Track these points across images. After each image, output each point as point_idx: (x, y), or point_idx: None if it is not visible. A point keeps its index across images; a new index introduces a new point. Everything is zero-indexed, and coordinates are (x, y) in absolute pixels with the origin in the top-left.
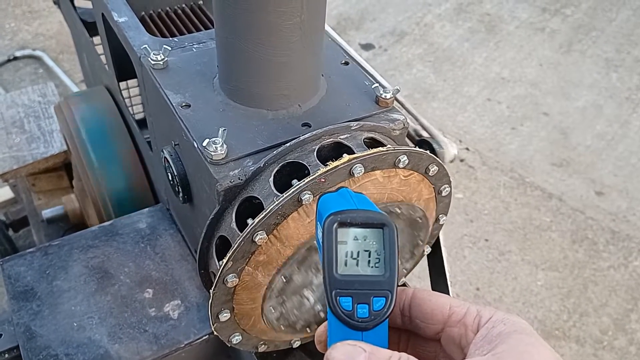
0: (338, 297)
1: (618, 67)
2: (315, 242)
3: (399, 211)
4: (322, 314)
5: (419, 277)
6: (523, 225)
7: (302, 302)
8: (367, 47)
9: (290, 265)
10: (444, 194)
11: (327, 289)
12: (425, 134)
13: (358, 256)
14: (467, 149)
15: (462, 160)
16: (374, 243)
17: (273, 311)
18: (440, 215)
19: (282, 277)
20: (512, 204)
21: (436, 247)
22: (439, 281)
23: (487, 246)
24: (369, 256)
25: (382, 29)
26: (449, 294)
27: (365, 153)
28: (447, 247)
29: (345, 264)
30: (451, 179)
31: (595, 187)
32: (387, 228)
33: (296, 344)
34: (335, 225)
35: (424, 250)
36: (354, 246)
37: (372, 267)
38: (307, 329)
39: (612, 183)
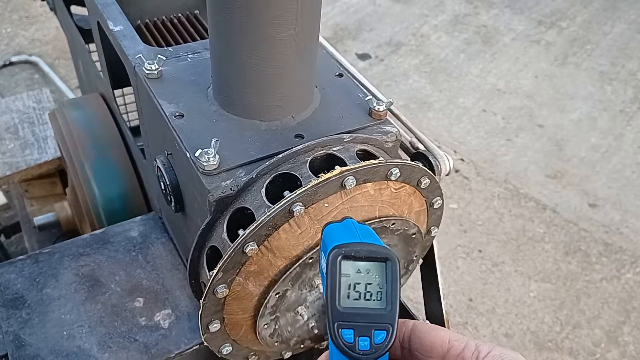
0: (340, 330)
1: (612, 80)
2: (307, 258)
3: (393, 227)
4: (315, 330)
5: (412, 288)
6: (517, 236)
7: (296, 319)
8: (363, 57)
9: (284, 281)
10: (435, 206)
11: (330, 321)
12: (421, 147)
13: (361, 289)
14: (462, 159)
15: (456, 171)
16: (377, 277)
17: (266, 328)
18: (432, 227)
19: (275, 293)
20: (506, 215)
21: (431, 261)
22: (431, 295)
23: (480, 257)
24: (372, 289)
25: (378, 39)
26: (441, 307)
27: (358, 165)
28: (440, 257)
29: (348, 297)
30: (445, 190)
31: (589, 199)
32: (389, 262)
33: (287, 355)
34: (339, 258)
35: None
36: (356, 279)
37: (374, 300)
38: (301, 345)
39: (606, 195)
